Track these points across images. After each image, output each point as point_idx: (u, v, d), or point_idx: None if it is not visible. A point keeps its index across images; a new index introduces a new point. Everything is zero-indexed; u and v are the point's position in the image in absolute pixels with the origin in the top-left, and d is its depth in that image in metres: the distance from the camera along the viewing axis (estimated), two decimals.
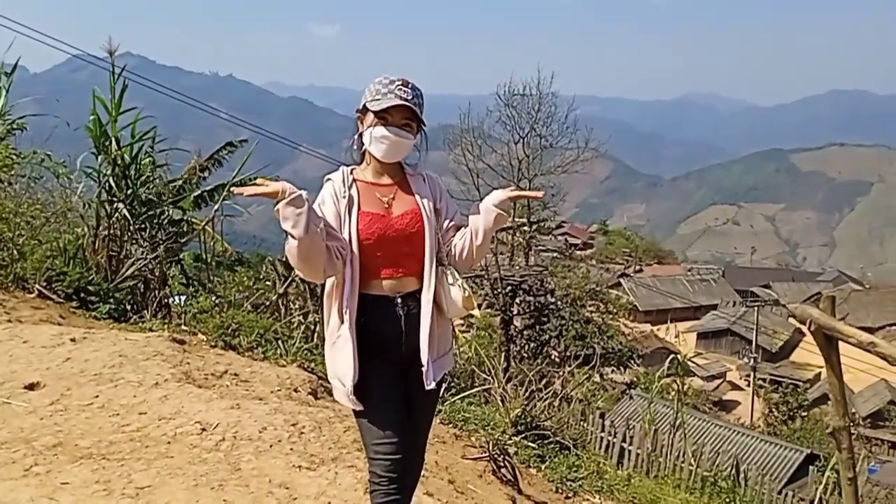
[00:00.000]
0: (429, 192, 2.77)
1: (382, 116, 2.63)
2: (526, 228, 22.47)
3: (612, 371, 27.37)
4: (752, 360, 38.24)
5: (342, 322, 2.63)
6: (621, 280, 56.13)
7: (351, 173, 2.74)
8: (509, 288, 20.47)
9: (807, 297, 54.48)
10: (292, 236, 2.40)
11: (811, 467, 14.28)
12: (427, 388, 2.68)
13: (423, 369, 2.66)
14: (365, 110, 2.68)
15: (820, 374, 40.87)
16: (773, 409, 35.14)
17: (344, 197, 2.65)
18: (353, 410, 2.69)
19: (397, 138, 2.64)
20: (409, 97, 2.63)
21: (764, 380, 41.13)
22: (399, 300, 2.67)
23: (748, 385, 40.54)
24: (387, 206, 2.70)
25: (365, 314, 2.64)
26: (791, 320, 50.83)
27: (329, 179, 2.72)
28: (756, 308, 42.72)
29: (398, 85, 2.63)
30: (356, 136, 2.75)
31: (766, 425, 32.67)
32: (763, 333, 42.36)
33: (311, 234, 2.41)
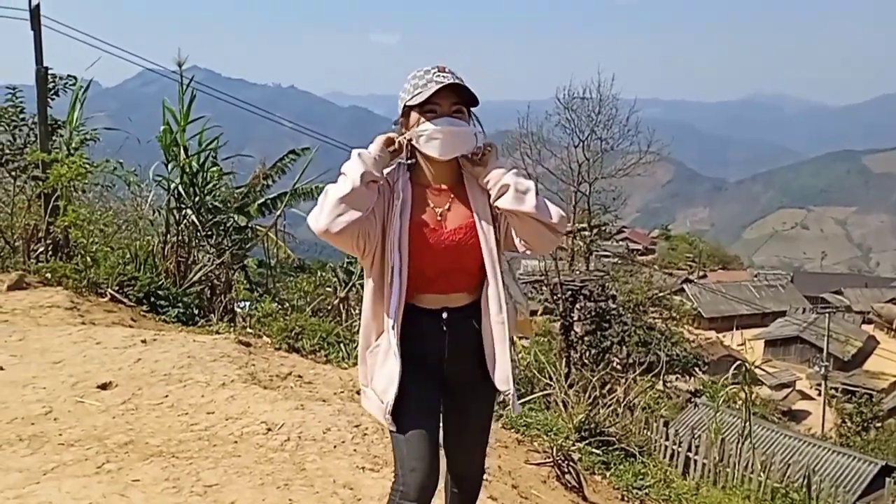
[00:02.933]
0: (487, 199, 2.42)
1: (430, 110, 2.30)
2: (586, 233, 22.22)
3: (677, 379, 26.79)
4: (823, 369, 36.84)
5: (385, 332, 2.37)
6: (684, 286, 54.90)
7: (408, 170, 2.44)
8: (569, 293, 20.24)
9: (881, 303, 52.36)
10: (350, 173, 2.25)
11: (888, 479, 13.76)
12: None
13: (508, 397, 2.45)
14: (407, 112, 2.37)
15: (895, 382, 39.24)
16: (846, 420, 33.79)
17: (398, 198, 2.36)
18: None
19: (451, 128, 2.29)
20: (451, 79, 2.28)
21: (836, 389, 39.56)
22: (445, 315, 2.43)
23: (819, 394, 39.09)
24: (440, 217, 2.41)
25: (406, 324, 2.38)
26: (864, 327, 49.00)
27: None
28: (827, 315, 41.18)
29: (435, 72, 2.31)
30: (406, 144, 2.38)
31: (839, 436, 31.44)
32: (835, 341, 40.80)
33: (376, 176, 2.28)
